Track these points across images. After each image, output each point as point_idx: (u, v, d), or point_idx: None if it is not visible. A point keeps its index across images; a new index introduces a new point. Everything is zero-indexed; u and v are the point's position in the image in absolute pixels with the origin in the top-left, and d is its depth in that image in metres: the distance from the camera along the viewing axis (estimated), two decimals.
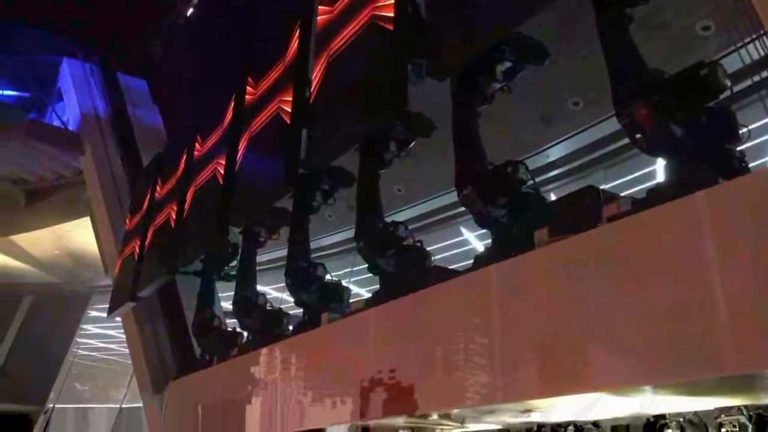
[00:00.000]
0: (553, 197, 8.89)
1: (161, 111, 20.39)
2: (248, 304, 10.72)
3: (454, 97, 7.41)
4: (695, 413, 5.96)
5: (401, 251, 7.60)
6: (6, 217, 21.10)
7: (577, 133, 11.05)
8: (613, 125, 8.77)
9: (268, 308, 10.61)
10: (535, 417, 6.79)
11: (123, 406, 24.51)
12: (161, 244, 13.81)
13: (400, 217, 10.62)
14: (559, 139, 11.31)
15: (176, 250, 12.87)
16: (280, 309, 10.55)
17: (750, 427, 5.57)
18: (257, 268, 11.74)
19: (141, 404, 15.76)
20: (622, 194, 5.85)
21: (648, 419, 6.28)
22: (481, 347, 5.68)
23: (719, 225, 4.18)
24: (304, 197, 9.78)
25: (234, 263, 12.18)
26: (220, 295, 12.81)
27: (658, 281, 4.43)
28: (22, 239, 21.93)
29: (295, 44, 10.14)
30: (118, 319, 16.78)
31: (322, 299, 8.92)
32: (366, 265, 8.03)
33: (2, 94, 21.53)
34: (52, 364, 23.98)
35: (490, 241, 6.76)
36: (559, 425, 6.99)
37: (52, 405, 23.92)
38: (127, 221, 16.64)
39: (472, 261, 6.62)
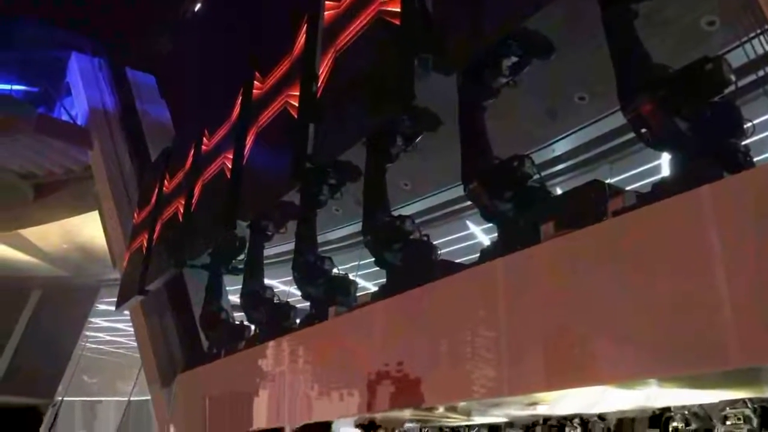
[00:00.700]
0: (559, 191, 8.92)
1: (169, 106, 20.44)
2: (256, 297, 10.77)
3: (461, 92, 7.43)
4: (700, 406, 5.97)
5: (408, 245, 7.62)
6: (15, 211, 21.24)
7: (583, 128, 11.06)
8: (618, 120, 8.79)
9: (275, 302, 10.66)
10: (541, 410, 6.81)
11: (131, 399, 24.66)
12: (169, 238, 13.90)
13: (407, 211, 10.64)
14: (565, 134, 11.32)
15: (184, 243, 12.96)
16: (288, 302, 10.59)
17: (755, 419, 5.58)
18: (265, 261, 11.81)
19: (149, 397, 15.89)
20: (627, 188, 5.88)
21: (653, 412, 6.30)
22: (487, 340, 5.70)
23: (724, 219, 4.18)
24: (311, 191, 9.81)
25: (241, 257, 12.21)
26: (227, 288, 12.87)
27: (664, 275, 4.44)
28: (31, 233, 22.07)
29: (302, 39, 10.16)
30: (127, 312, 16.91)
31: (329, 293, 8.96)
32: (373, 259, 8.06)
33: (11, 89, 21.54)
34: (61, 357, 24.17)
35: (496, 234, 6.78)
36: (564, 418, 7.02)
37: (60, 398, 24.12)
38: (135, 215, 16.73)
39: (478, 255, 6.64)
